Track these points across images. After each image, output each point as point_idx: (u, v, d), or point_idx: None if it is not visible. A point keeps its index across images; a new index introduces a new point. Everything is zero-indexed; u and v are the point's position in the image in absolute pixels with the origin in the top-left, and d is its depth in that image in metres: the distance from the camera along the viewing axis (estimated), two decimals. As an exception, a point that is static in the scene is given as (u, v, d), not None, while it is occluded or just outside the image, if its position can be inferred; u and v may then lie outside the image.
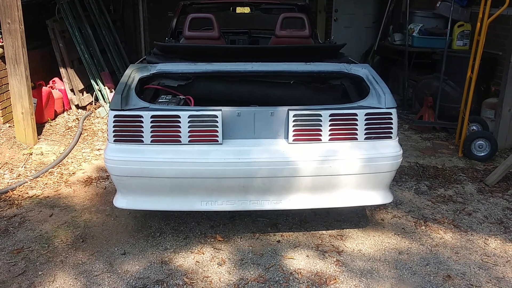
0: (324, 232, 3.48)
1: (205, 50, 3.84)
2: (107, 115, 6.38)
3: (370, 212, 3.76)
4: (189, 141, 3.06)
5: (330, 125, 3.09)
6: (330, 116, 3.08)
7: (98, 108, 6.48)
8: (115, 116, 3.03)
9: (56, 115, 6.07)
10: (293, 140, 3.10)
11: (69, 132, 5.57)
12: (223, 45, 4.05)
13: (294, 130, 3.08)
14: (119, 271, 2.95)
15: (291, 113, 3.07)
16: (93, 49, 6.83)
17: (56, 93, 6.06)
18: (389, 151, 3.13)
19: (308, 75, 3.67)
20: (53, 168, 4.53)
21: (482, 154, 4.80)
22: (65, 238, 3.32)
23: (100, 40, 7.24)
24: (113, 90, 6.73)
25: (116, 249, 3.21)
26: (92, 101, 6.65)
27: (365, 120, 3.11)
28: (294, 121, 3.07)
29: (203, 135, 3.07)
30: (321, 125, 3.09)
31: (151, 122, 3.03)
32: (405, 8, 6.99)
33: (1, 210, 3.69)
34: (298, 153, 3.06)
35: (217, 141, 3.07)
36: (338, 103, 3.66)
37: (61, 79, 6.35)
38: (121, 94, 3.09)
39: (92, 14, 7.24)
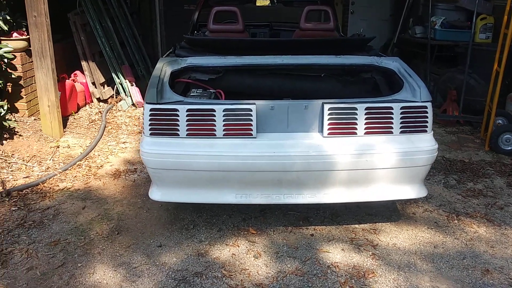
0: (356, 226, 3.48)
1: (235, 43, 3.84)
2: (128, 108, 6.42)
3: (401, 206, 3.76)
4: (223, 135, 3.07)
5: (365, 119, 3.08)
6: (366, 109, 3.08)
7: (119, 101, 6.51)
8: (151, 109, 3.05)
9: (78, 108, 6.10)
10: (328, 134, 3.09)
11: (93, 125, 5.60)
12: (253, 38, 4.05)
13: (329, 124, 3.08)
14: (157, 263, 2.98)
15: (326, 106, 3.07)
16: (113, 42, 6.84)
17: (78, 86, 6.08)
18: (425, 145, 3.12)
19: (339, 68, 3.66)
20: (80, 161, 4.56)
21: (510, 148, 4.77)
22: (100, 231, 3.35)
23: (119, 33, 7.26)
24: (133, 83, 6.75)
25: (151, 241, 3.23)
26: (113, 94, 6.67)
27: (400, 113, 3.10)
28: (329, 114, 3.07)
29: (238, 128, 3.07)
30: (356, 119, 3.08)
31: (187, 115, 3.04)
32: (425, 1, 6.94)
33: (34, 203, 3.73)
34: (333, 147, 3.05)
35: (251, 135, 3.08)
36: (368, 96, 3.66)
37: (82, 72, 6.38)
38: (156, 88, 3.11)
39: (111, 7, 7.25)
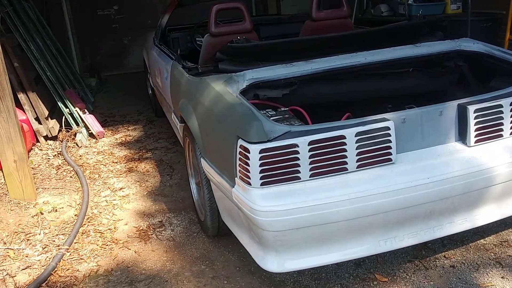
0: (482, 241, 2.93)
1: (302, 44, 3.05)
2: (89, 142, 5.19)
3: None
4: (357, 167, 2.30)
5: (511, 116, 2.52)
6: (510, 105, 2.51)
7: (74, 135, 5.23)
8: (262, 151, 2.17)
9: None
10: (475, 142, 2.48)
11: (63, 173, 4.36)
12: (322, 35, 3.25)
13: (476, 129, 2.46)
14: None
15: (471, 108, 2.43)
16: (46, 64, 5.51)
17: (24, 127, 4.74)
18: None
19: (426, 59, 3.05)
20: (82, 226, 3.42)
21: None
22: (195, 329, 2.40)
23: (47, 51, 5.90)
24: (85, 110, 5.51)
25: (276, 327, 2.37)
26: (61, 128, 5.35)
27: (541, 103, 2.59)
28: (475, 117, 2.45)
29: (373, 155, 2.32)
30: (502, 118, 2.50)
31: (310, 150, 2.22)
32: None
33: (67, 307, 2.61)
34: (488, 157, 2.44)
35: (390, 160, 2.35)
36: (459, 87, 3.14)
37: (19, 107, 5.00)
38: (260, 120, 2.24)
39: (30, 21, 5.85)
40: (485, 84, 3.08)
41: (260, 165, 2.18)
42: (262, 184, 2.20)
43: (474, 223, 2.54)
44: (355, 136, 2.26)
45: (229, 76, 2.76)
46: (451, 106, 2.49)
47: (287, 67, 2.81)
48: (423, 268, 2.73)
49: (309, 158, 2.22)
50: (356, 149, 2.27)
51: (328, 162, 2.26)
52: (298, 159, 2.21)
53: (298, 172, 2.22)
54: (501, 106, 2.48)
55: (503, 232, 3.00)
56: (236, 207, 2.39)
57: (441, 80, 3.14)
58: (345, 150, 2.26)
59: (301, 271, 2.76)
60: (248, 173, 2.21)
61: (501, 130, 2.51)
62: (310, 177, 2.24)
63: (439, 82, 3.14)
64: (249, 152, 2.18)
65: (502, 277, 2.60)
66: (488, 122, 2.47)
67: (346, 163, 2.28)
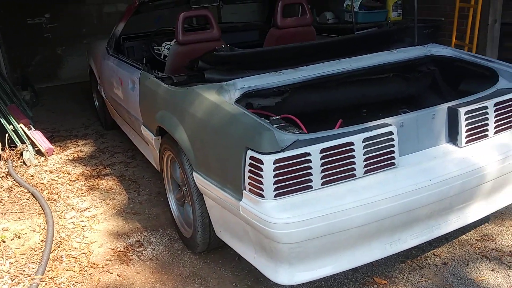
0: (464, 237, 3.06)
1: (289, 51, 3.01)
2: (37, 161, 4.81)
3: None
4: (364, 172, 2.31)
5: (495, 116, 2.65)
6: (494, 105, 2.64)
7: (19, 153, 4.82)
8: (276, 161, 2.11)
9: (-30, 176, 4.33)
10: (466, 143, 2.58)
11: (17, 196, 4.00)
12: (308, 42, 3.22)
13: (467, 130, 2.56)
14: None
15: (462, 111, 2.54)
16: (-17, 77, 5.06)
17: (-35, 146, 4.31)
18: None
19: (403, 65, 3.14)
20: (52, 252, 3.15)
21: None
22: None
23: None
24: (30, 126, 5.12)
25: None
26: (4, 147, 4.92)
27: (522, 102, 2.76)
28: (466, 119, 2.55)
29: (378, 160, 2.34)
30: (488, 118, 2.62)
31: (321, 158, 2.19)
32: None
33: None
34: (478, 157, 2.54)
35: (394, 164, 2.38)
36: (431, 92, 3.28)
37: (-44, 125, 4.55)
38: (272, 130, 2.18)
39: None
40: (453, 87, 3.23)
41: (274, 176, 2.11)
42: (276, 196, 2.14)
43: (466, 220, 2.64)
44: (363, 142, 2.27)
45: (219, 85, 2.67)
46: (442, 109, 2.58)
47: (276, 75, 2.78)
48: (417, 268, 2.79)
49: (321, 166, 2.19)
50: (363, 155, 2.28)
51: (338, 169, 2.24)
52: (310, 167, 2.17)
53: (311, 181, 2.19)
54: (486, 107, 2.60)
55: (481, 226, 3.15)
56: (243, 221, 2.31)
57: (417, 84, 3.26)
58: (353, 157, 2.26)
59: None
60: (260, 185, 2.14)
61: (487, 130, 2.63)
62: (321, 185, 2.22)
63: (415, 87, 3.25)
64: (262, 163, 2.11)
65: (492, 270, 2.72)
66: (476, 123, 2.58)
67: (354, 169, 2.27)
